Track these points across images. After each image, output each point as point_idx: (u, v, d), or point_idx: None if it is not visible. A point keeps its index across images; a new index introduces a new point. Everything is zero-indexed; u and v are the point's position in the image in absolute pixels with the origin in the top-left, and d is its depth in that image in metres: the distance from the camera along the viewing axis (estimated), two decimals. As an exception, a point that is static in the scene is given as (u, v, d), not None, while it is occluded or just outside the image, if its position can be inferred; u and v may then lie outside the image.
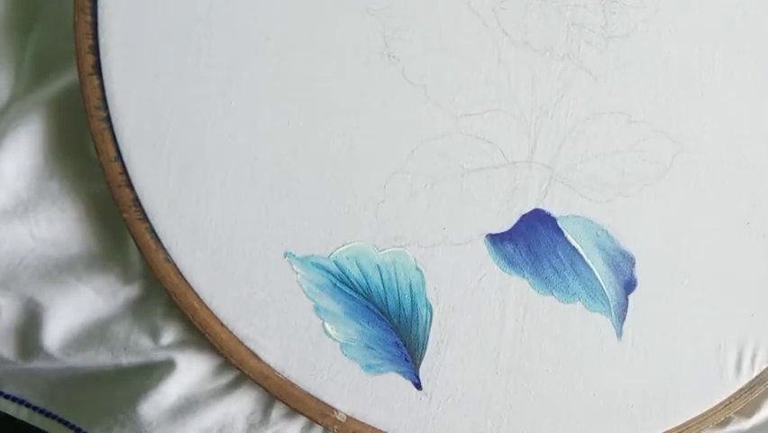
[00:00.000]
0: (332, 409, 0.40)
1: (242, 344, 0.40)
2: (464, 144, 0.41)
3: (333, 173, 0.40)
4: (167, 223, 0.40)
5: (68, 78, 0.41)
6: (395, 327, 0.40)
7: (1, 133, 0.40)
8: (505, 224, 0.41)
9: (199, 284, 0.40)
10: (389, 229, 0.40)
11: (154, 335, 0.41)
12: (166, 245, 0.40)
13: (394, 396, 0.40)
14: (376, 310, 0.40)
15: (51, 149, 0.41)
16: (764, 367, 0.41)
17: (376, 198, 0.40)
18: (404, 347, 0.40)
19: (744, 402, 0.41)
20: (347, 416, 0.40)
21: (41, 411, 0.42)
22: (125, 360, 0.41)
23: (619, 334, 0.41)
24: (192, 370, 0.41)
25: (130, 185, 0.39)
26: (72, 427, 0.42)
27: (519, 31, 0.41)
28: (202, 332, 0.39)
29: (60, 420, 0.42)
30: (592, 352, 0.41)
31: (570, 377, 0.41)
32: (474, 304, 0.40)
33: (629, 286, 0.41)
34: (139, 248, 0.39)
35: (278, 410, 0.41)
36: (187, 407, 0.40)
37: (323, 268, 0.40)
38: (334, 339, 0.40)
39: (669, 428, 0.41)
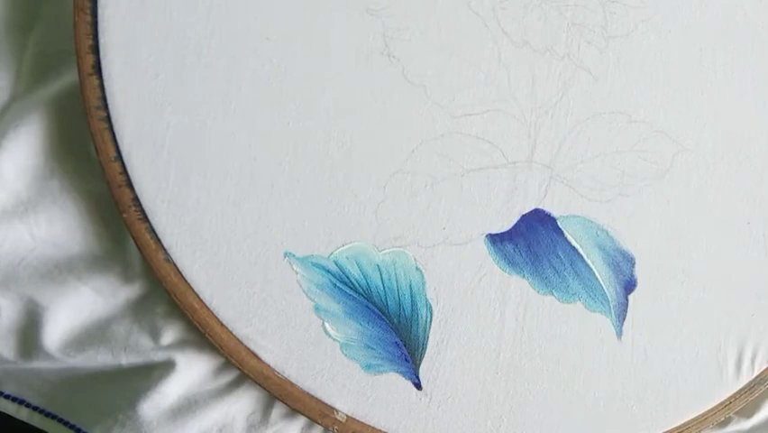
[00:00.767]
0: (332, 409, 0.40)
1: (242, 344, 0.40)
2: (464, 144, 0.41)
3: (333, 173, 0.40)
4: (167, 223, 0.40)
5: (68, 78, 0.41)
6: (395, 326, 0.40)
7: (1, 133, 0.40)
8: (505, 224, 0.41)
9: (199, 284, 0.40)
10: (389, 229, 0.40)
11: (154, 335, 0.41)
12: (166, 245, 0.40)
13: (394, 396, 0.40)
14: (376, 310, 0.40)
15: (51, 149, 0.41)
16: (764, 367, 0.41)
17: (376, 198, 0.40)
18: (404, 347, 0.40)
19: (744, 402, 0.41)
20: (347, 416, 0.40)
21: (41, 411, 0.42)
22: (125, 360, 0.41)
23: (619, 334, 0.41)
24: (192, 370, 0.41)
25: (130, 185, 0.39)
26: (72, 427, 0.42)
27: (519, 31, 0.41)
28: (202, 332, 0.40)
29: (60, 420, 0.42)
30: (592, 352, 0.41)
31: (570, 377, 0.41)
32: (474, 304, 0.40)
33: (629, 286, 0.41)
34: (139, 248, 0.39)
35: (278, 410, 0.41)
36: (187, 407, 0.41)
37: (323, 268, 0.40)
38: (334, 339, 0.40)
39: (669, 428, 0.41)
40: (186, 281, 0.40)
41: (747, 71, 0.42)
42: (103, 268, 0.41)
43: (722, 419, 0.41)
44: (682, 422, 0.41)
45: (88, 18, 0.39)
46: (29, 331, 0.41)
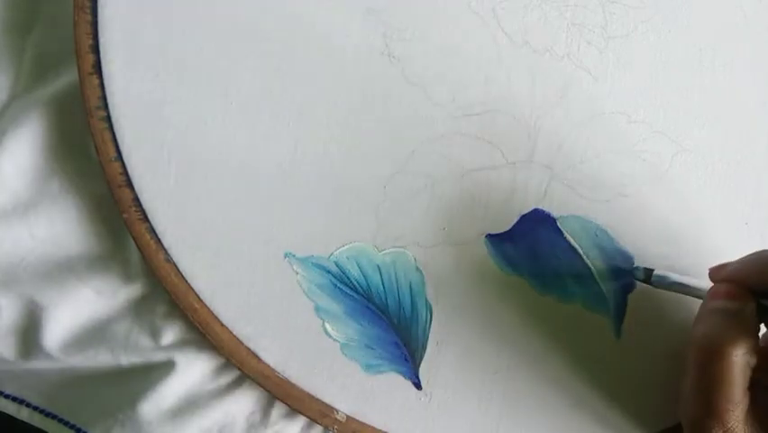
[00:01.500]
0: (332, 409, 0.40)
1: (243, 344, 0.40)
2: (464, 144, 0.41)
3: (333, 173, 0.40)
4: (167, 223, 0.39)
5: (68, 77, 0.41)
6: (395, 326, 0.40)
7: (1, 133, 0.40)
8: (505, 224, 0.41)
9: (199, 284, 0.40)
10: (389, 229, 0.40)
11: (154, 335, 0.41)
12: (166, 245, 0.40)
13: (394, 396, 0.40)
14: (376, 310, 0.40)
15: (51, 149, 0.41)
16: (763, 367, 0.41)
17: (376, 198, 0.40)
18: (404, 347, 0.40)
19: (743, 402, 0.41)
20: (347, 416, 0.40)
21: (41, 411, 0.42)
22: (125, 360, 0.41)
23: (618, 334, 0.41)
24: (192, 370, 0.41)
25: (130, 185, 0.39)
26: (72, 427, 0.41)
27: (519, 31, 0.41)
28: (202, 332, 0.39)
29: (60, 420, 0.42)
30: (591, 352, 0.41)
31: (569, 377, 0.41)
32: (474, 304, 0.40)
33: (628, 286, 0.41)
34: (139, 248, 0.39)
35: (278, 410, 0.41)
36: (186, 407, 0.40)
37: (323, 268, 0.40)
38: (334, 339, 0.40)
39: (668, 427, 0.41)
40: (186, 281, 0.40)
41: (747, 72, 0.42)
42: (103, 268, 0.41)
43: (721, 418, 0.41)
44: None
45: (88, 17, 0.39)
46: (29, 331, 0.41)
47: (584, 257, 0.41)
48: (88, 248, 0.41)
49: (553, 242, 0.41)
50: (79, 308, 0.41)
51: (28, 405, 0.42)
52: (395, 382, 0.40)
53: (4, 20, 0.42)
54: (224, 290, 0.40)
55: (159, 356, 0.41)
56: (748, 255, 0.37)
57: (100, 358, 0.41)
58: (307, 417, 0.40)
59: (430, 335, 0.40)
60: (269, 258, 0.40)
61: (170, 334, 0.41)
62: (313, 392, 0.40)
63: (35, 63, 0.42)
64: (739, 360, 0.34)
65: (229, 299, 0.40)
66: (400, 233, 0.40)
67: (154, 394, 0.40)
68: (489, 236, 0.41)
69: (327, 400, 0.40)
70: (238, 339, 0.40)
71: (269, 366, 0.40)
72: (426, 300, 0.40)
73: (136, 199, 0.39)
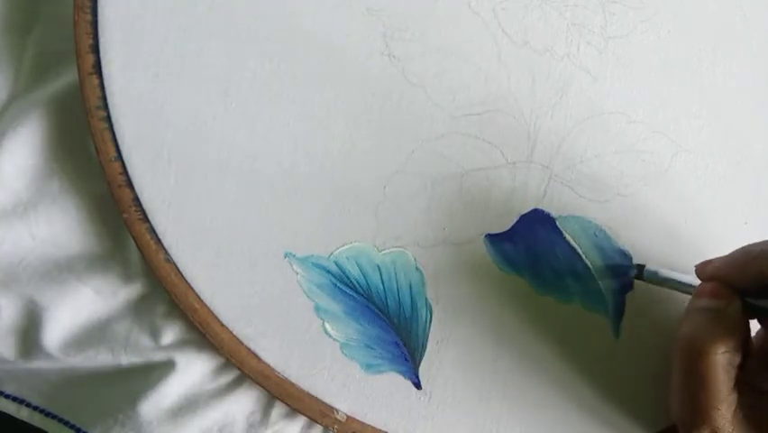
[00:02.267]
0: (331, 408, 0.40)
1: (243, 344, 0.40)
2: (464, 144, 0.41)
3: (333, 173, 0.40)
4: (167, 223, 0.39)
5: (68, 77, 0.41)
6: (395, 326, 0.40)
7: (1, 133, 0.40)
8: (504, 224, 0.41)
9: (199, 284, 0.40)
10: (389, 229, 0.40)
11: (154, 335, 0.41)
12: (166, 245, 0.39)
13: (394, 396, 0.40)
14: (376, 310, 0.40)
15: (51, 149, 0.41)
16: (762, 367, 0.41)
17: (376, 198, 0.40)
18: (404, 347, 0.40)
19: (742, 402, 0.41)
20: (347, 415, 0.40)
21: (41, 411, 0.42)
22: (125, 360, 0.41)
23: (617, 333, 0.41)
24: (192, 370, 0.41)
25: (130, 185, 0.39)
26: (72, 427, 0.41)
27: (519, 31, 0.41)
28: (202, 332, 0.39)
29: (60, 420, 0.42)
30: (590, 352, 0.41)
31: (568, 377, 0.41)
32: (474, 304, 0.40)
33: (627, 286, 0.41)
34: (139, 248, 0.39)
35: (278, 410, 0.41)
36: (187, 407, 0.40)
37: (323, 268, 0.40)
38: (334, 339, 0.40)
39: (666, 427, 0.41)
40: (186, 281, 0.39)
41: (746, 72, 0.42)
42: (103, 268, 0.41)
43: (720, 418, 0.41)
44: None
45: (88, 17, 0.39)
46: (29, 331, 0.41)
47: (583, 257, 0.41)
48: (88, 248, 0.41)
49: (553, 242, 0.41)
50: (79, 308, 0.41)
51: (28, 405, 0.42)
52: (395, 381, 0.40)
53: (5, 19, 0.42)
54: (224, 290, 0.40)
55: (159, 356, 0.41)
56: (732, 252, 0.37)
57: (100, 358, 0.41)
58: (307, 417, 0.40)
59: (430, 334, 0.40)
60: (269, 258, 0.40)
61: (170, 334, 0.41)
62: (313, 392, 0.40)
63: (35, 63, 0.42)
64: (721, 358, 0.34)
65: (229, 299, 0.40)
66: (400, 233, 0.40)
67: (154, 394, 0.40)
68: (489, 236, 0.41)
69: (327, 399, 0.40)
70: (238, 339, 0.40)
71: (269, 366, 0.40)
72: (426, 300, 0.40)
73: (136, 199, 0.39)
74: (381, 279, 0.40)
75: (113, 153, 0.39)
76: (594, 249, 0.41)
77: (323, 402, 0.40)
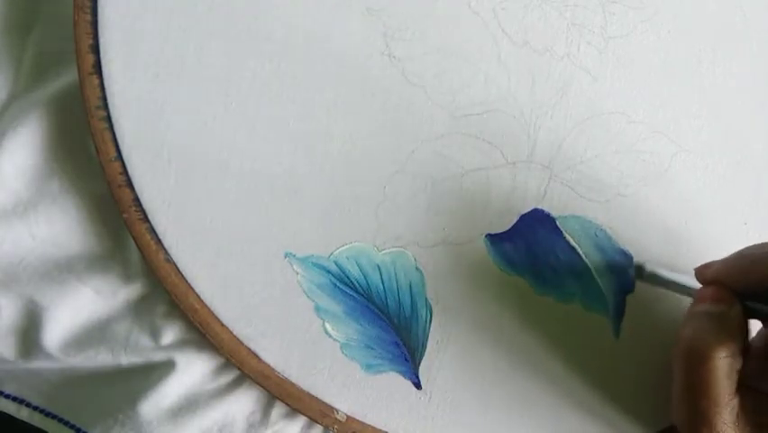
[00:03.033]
0: (332, 408, 0.40)
1: (243, 344, 0.40)
2: (464, 144, 0.41)
3: (333, 173, 0.40)
4: (167, 223, 0.39)
5: (68, 77, 0.41)
6: (395, 326, 0.40)
7: (1, 133, 0.40)
8: (504, 224, 0.41)
9: (199, 284, 0.40)
10: (389, 229, 0.40)
11: (154, 335, 0.41)
12: (166, 245, 0.39)
13: (394, 396, 0.40)
14: (376, 310, 0.40)
15: (51, 149, 0.41)
16: (762, 367, 0.41)
17: (376, 198, 0.40)
18: (403, 347, 0.40)
19: (742, 402, 0.41)
20: (347, 415, 0.40)
21: (41, 411, 0.42)
22: (125, 360, 0.41)
23: (617, 334, 0.41)
24: (192, 370, 0.41)
25: (130, 185, 0.39)
26: (72, 427, 0.41)
27: (519, 31, 0.41)
28: (202, 332, 0.39)
29: (60, 420, 0.42)
30: (590, 352, 0.41)
31: (568, 377, 0.41)
32: (474, 304, 0.40)
33: (627, 286, 0.41)
34: (139, 248, 0.39)
35: (278, 410, 0.41)
36: (187, 407, 0.40)
37: (323, 268, 0.40)
38: (334, 339, 0.40)
39: (666, 427, 0.41)
40: (186, 282, 0.39)
41: (746, 72, 0.42)
42: (103, 268, 0.41)
43: (720, 418, 0.41)
44: (681, 422, 0.41)
45: (88, 17, 0.39)
46: (29, 331, 0.41)
47: (583, 257, 0.41)
48: (88, 248, 0.41)
49: (553, 242, 0.41)
50: (79, 308, 0.41)
51: (28, 405, 0.42)
52: (395, 381, 0.40)
53: (4, 19, 0.42)
54: (224, 290, 0.40)
55: (159, 356, 0.41)
56: (731, 255, 0.37)
57: (100, 358, 0.41)
58: (307, 417, 0.40)
59: (430, 334, 0.40)
60: (269, 258, 0.40)
61: (170, 334, 0.41)
62: (313, 392, 0.40)
63: (35, 63, 0.42)
64: (723, 363, 0.34)
65: (229, 299, 0.40)
66: (400, 233, 0.40)
67: (154, 394, 0.40)
68: (489, 236, 0.41)
69: (327, 399, 0.40)
70: (238, 339, 0.40)
71: (269, 366, 0.40)
72: (426, 300, 0.40)
73: (136, 199, 0.39)
74: (381, 279, 0.40)
75: (113, 153, 0.39)
76: (594, 249, 0.41)
77: (323, 402, 0.40)
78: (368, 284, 0.40)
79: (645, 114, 0.42)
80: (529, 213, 0.41)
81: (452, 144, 0.41)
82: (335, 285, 0.40)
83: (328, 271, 0.40)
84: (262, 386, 0.40)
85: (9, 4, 0.42)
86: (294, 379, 0.40)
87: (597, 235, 0.41)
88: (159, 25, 0.40)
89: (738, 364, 0.35)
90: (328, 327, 0.40)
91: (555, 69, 0.41)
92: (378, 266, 0.40)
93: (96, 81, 0.39)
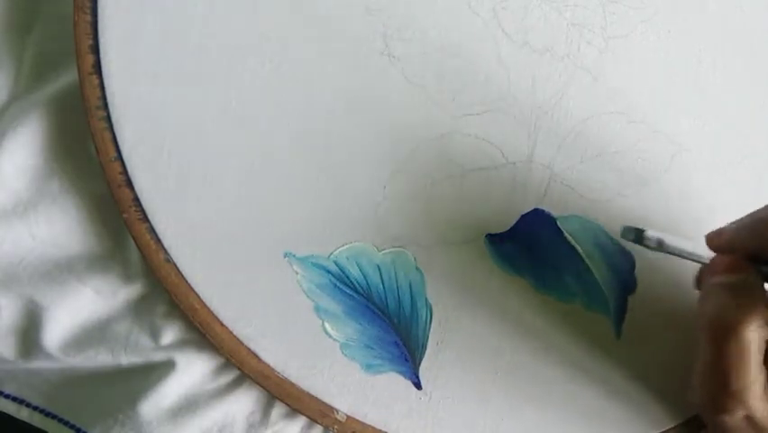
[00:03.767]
0: (331, 408, 0.40)
1: (243, 344, 0.40)
2: (464, 144, 0.41)
3: (334, 173, 0.40)
4: (167, 223, 0.40)
5: (68, 77, 0.41)
6: (395, 326, 0.40)
7: (1, 133, 0.40)
8: (505, 224, 0.41)
9: (199, 284, 0.40)
10: (389, 229, 0.40)
11: (154, 335, 0.41)
12: (166, 245, 0.40)
13: (394, 396, 0.40)
14: (376, 310, 0.40)
15: (51, 149, 0.41)
16: (763, 367, 0.41)
17: (376, 197, 0.40)
18: (404, 347, 0.40)
19: (743, 402, 0.41)
20: (347, 416, 0.40)
21: (41, 411, 0.42)
22: (125, 360, 0.41)
23: (618, 334, 0.41)
24: (192, 370, 0.41)
25: (130, 185, 0.39)
26: (72, 427, 0.42)
27: (519, 31, 0.41)
28: (202, 332, 0.39)
29: (60, 420, 0.42)
30: (591, 352, 0.41)
31: (569, 377, 0.41)
32: (474, 304, 0.40)
33: (628, 286, 0.41)
34: (139, 248, 0.39)
35: (278, 410, 0.41)
36: (186, 407, 0.40)
37: (323, 268, 0.40)
38: (334, 339, 0.40)
39: (668, 427, 0.41)
40: (186, 281, 0.40)
41: (747, 71, 0.42)
42: (103, 268, 0.41)
43: (721, 418, 0.41)
44: (682, 421, 0.41)
45: (88, 17, 0.39)
46: (29, 331, 0.41)
47: (584, 257, 0.41)
48: (88, 248, 0.41)
49: (553, 242, 0.41)
50: (79, 309, 0.41)
51: (28, 405, 0.42)
52: (395, 382, 0.40)
53: (5, 19, 0.42)
54: (224, 290, 0.40)
55: (159, 356, 0.41)
56: (743, 218, 0.35)
57: (100, 358, 0.41)
58: (307, 417, 0.40)
59: (430, 335, 0.40)
60: (269, 258, 0.40)
61: (170, 334, 0.41)
62: (313, 392, 0.40)
63: (35, 63, 0.42)
64: (754, 336, 0.32)
65: (229, 299, 0.40)
66: (400, 233, 0.40)
67: (154, 394, 0.40)
68: (489, 236, 0.41)
69: (327, 400, 0.40)
70: (238, 339, 0.40)
71: (269, 366, 0.40)
72: (426, 300, 0.40)
73: (136, 199, 0.39)
74: (381, 279, 0.40)
75: (113, 153, 0.39)
76: (595, 249, 0.41)
77: (323, 402, 0.40)
78: (368, 284, 0.40)
79: (646, 113, 0.41)
80: (529, 213, 0.41)
81: (452, 144, 0.41)
82: (335, 285, 0.40)
83: (328, 271, 0.40)
84: (262, 386, 0.40)
85: (9, 4, 0.42)
86: (294, 379, 0.40)
87: (597, 236, 0.41)
88: (159, 25, 0.40)
89: (766, 335, 0.33)
90: (328, 326, 0.40)
91: (555, 69, 0.41)
92: (378, 266, 0.40)
93: (96, 81, 0.39)
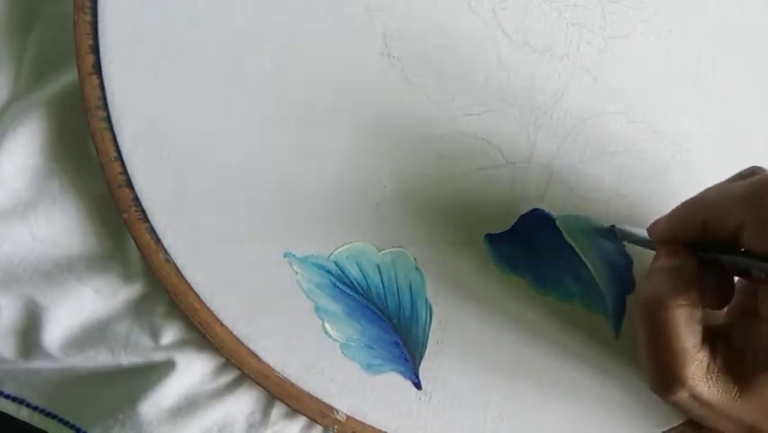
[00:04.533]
0: (331, 408, 0.40)
1: (243, 344, 0.40)
2: (464, 144, 0.41)
3: (334, 173, 0.40)
4: (167, 223, 0.40)
5: (68, 78, 0.41)
6: (395, 326, 0.40)
7: (1, 134, 0.40)
8: (504, 224, 0.41)
9: (199, 284, 0.40)
10: (389, 229, 0.40)
11: (154, 335, 0.41)
12: (166, 245, 0.40)
13: (394, 396, 0.40)
14: (376, 310, 0.40)
15: (51, 149, 0.41)
16: (763, 367, 0.41)
17: (376, 197, 0.40)
18: (404, 347, 0.40)
19: (742, 402, 0.41)
20: (347, 416, 0.40)
21: (41, 411, 0.42)
22: (125, 360, 0.41)
23: (617, 334, 0.41)
24: (192, 370, 0.41)
25: (130, 185, 0.39)
26: (72, 427, 0.41)
27: (519, 31, 0.41)
28: (202, 332, 0.39)
29: (60, 420, 0.42)
30: (591, 352, 0.41)
31: (568, 377, 0.41)
32: (474, 304, 0.40)
33: (627, 286, 0.41)
34: (139, 248, 0.39)
35: (278, 410, 0.41)
36: (186, 407, 0.40)
37: (323, 268, 0.40)
38: (334, 339, 0.40)
39: (668, 428, 0.41)
40: (186, 281, 0.40)
41: (746, 72, 0.42)
42: (103, 268, 0.41)
43: (721, 418, 0.41)
44: (682, 422, 0.41)
45: (88, 18, 0.39)
46: (29, 331, 0.41)
47: (583, 257, 0.41)
48: (88, 248, 0.41)
49: (553, 242, 0.41)
50: (79, 308, 0.41)
51: (28, 405, 0.42)
52: (395, 382, 0.40)
53: (5, 19, 0.42)
54: (224, 290, 0.40)
55: (159, 356, 0.41)
56: (675, 208, 0.37)
57: (100, 358, 0.41)
58: (307, 417, 0.40)
59: (430, 335, 0.40)
60: (269, 258, 0.40)
61: (170, 334, 0.41)
62: (313, 392, 0.40)
63: (35, 63, 0.42)
64: (680, 311, 0.34)
65: (229, 299, 0.40)
66: (400, 232, 0.40)
67: (154, 394, 0.40)
68: (489, 236, 0.41)
69: (327, 400, 0.40)
70: (238, 339, 0.40)
71: (269, 366, 0.40)
72: (426, 300, 0.40)
73: (136, 199, 0.39)
74: (381, 279, 0.40)
75: (113, 153, 0.39)
76: (594, 249, 0.41)
77: (323, 402, 0.40)
78: (368, 284, 0.40)
79: (645, 113, 0.42)
80: (529, 213, 0.41)
81: (452, 144, 0.41)
82: (335, 285, 0.40)
83: (328, 271, 0.40)
84: (262, 386, 0.40)
85: (9, 4, 0.42)
86: (294, 379, 0.40)
87: (596, 236, 0.41)
88: (159, 25, 0.40)
89: (698, 314, 0.34)
90: (328, 326, 0.40)
91: (555, 69, 0.41)
92: (378, 266, 0.40)
93: (96, 81, 0.39)
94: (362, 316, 0.40)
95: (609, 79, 0.41)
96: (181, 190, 0.40)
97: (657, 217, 0.38)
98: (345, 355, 0.40)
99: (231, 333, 0.40)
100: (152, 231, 0.39)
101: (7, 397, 0.42)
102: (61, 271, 0.41)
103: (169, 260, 0.40)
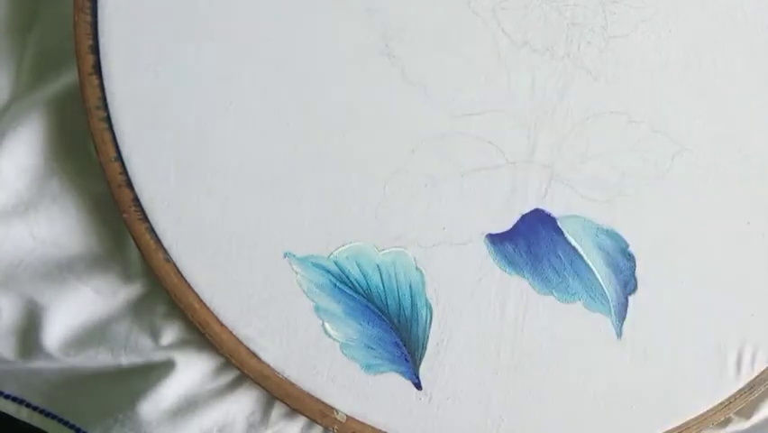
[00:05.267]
0: (331, 409, 0.40)
1: (242, 344, 0.40)
2: (464, 144, 0.41)
3: (333, 173, 0.40)
4: (167, 223, 0.40)
5: (68, 78, 0.41)
6: (395, 326, 0.40)
7: (1, 133, 0.40)
8: (505, 224, 0.41)
9: (199, 284, 0.40)
10: (389, 229, 0.40)
11: (154, 335, 0.41)
12: (166, 245, 0.40)
13: (394, 396, 0.40)
14: (376, 310, 0.40)
15: (51, 149, 0.41)
16: (764, 367, 0.41)
17: (376, 197, 0.40)
18: (404, 347, 0.40)
19: (743, 402, 0.41)
20: (347, 416, 0.40)
21: (41, 411, 0.42)
22: (125, 360, 0.41)
23: (619, 334, 0.41)
24: (192, 370, 0.41)
25: (130, 185, 0.39)
26: (72, 427, 0.42)
27: (519, 31, 0.41)
28: (202, 332, 0.40)
29: (60, 420, 0.42)
30: (592, 352, 0.41)
31: (569, 377, 0.41)
32: (474, 304, 0.40)
33: (629, 286, 0.41)
34: (139, 248, 0.40)
35: (278, 410, 0.41)
36: (186, 407, 0.41)
37: (323, 268, 0.40)
38: (334, 339, 0.40)
39: (669, 428, 0.41)
40: (186, 281, 0.40)
41: (747, 71, 0.42)
42: (103, 268, 0.41)
43: (722, 419, 0.41)
44: (682, 422, 0.41)
45: (88, 18, 0.39)
46: (29, 331, 0.41)
47: (585, 257, 0.41)
48: (88, 248, 0.41)
49: (554, 242, 0.41)
50: (79, 308, 0.41)
51: (28, 405, 0.42)
52: (395, 382, 0.40)
53: (5, 19, 0.42)
54: (224, 290, 0.40)
55: (159, 356, 0.41)
56: None
57: (100, 358, 0.41)
58: (307, 417, 0.40)
59: (430, 335, 0.40)
60: (269, 258, 0.40)
61: (170, 334, 0.41)
62: (313, 392, 0.40)
63: (35, 63, 0.42)
64: None
65: (229, 299, 0.40)
66: (400, 233, 0.40)
67: (154, 394, 0.40)
68: (490, 236, 0.41)
69: (327, 400, 0.40)
70: (238, 339, 0.40)
71: (268, 366, 0.40)
72: (426, 300, 0.40)
73: (136, 199, 0.39)
74: (381, 279, 0.40)
75: (113, 153, 0.39)
76: (596, 249, 0.41)
77: (323, 402, 0.40)
78: (368, 284, 0.40)
79: (646, 113, 0.41)
80: (530, 213, 0.41)
81: (452, 144, 0.41)
82: (335, 285, 0.40)
83: (328, 271, 0.40)
84: (262, 386, 0.40)
85: (9, 4, 0.42)
86: (294, 379, 0.40)
87: (598, 236, 0.41)
88: (159, 25, 0.40)
89: None
90: (328, 327, 0.40)
91: (555, 69, 0.41)
92: (378, 266, 0.40)
93: (96, 81, 0.39)
94: (362, 316, 0.40)
95: (610, 79, 0.41)
96: (181, 190, 0.40)
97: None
98: (345, 355, 0.40)
99: (230, 333, 0.40)
100: (152, 231, 0.39)
101: (7, 397, 0.42)
102: (61, 271, 0.41)
103: (168, 260, 0.40)
